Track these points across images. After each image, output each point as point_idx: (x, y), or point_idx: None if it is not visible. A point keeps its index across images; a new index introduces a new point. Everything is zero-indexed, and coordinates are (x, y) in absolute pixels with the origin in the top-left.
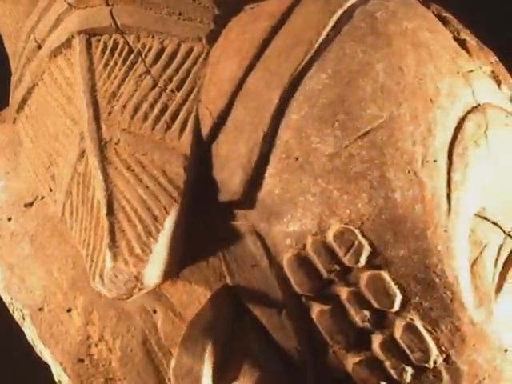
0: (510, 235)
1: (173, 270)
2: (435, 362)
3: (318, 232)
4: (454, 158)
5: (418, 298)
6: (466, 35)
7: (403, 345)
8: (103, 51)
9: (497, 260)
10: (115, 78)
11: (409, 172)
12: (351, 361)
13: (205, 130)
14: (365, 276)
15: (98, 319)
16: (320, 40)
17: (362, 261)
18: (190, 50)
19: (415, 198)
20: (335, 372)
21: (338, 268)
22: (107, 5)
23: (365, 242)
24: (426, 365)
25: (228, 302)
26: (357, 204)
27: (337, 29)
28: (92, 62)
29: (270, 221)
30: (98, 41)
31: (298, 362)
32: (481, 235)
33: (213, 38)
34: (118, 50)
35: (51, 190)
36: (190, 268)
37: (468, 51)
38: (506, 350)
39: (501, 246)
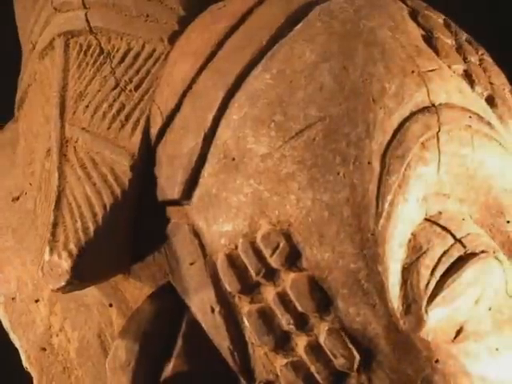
0: (461, 242)
1: (121, 266)
2: (359, 370)
3: (249, 233)
4: (390, 160)
5: (342, 303)
6: (442, 33)
7: (327, 350)
8: (78, 52)
9: (435, 267)
10: (84, 78)
11: (338, 174)
12: (279, 363)
13: (154, 130)
14: (289, 278)
15: (60, 310)
16: (270, 39)
17: (287, 263)
18: (153, 51)
19: (344, 201)
20: (267, 374)
21: (264, 269)
22: (84, 8)
23: (291, 244)
24: (350, 372)
25: (168, 298)
26: (285, 205)
27: (291, 28)
28: (68, 62)
29: (208, 220)
30: (76, 42)
31: (231, 361)
32: (423, 240)
33: (175, 38)
34: (91, 51)
35: (30, 185)
36: (140, 264)
37: (436, 50)
38: (436, 361)
39: (445, 252)
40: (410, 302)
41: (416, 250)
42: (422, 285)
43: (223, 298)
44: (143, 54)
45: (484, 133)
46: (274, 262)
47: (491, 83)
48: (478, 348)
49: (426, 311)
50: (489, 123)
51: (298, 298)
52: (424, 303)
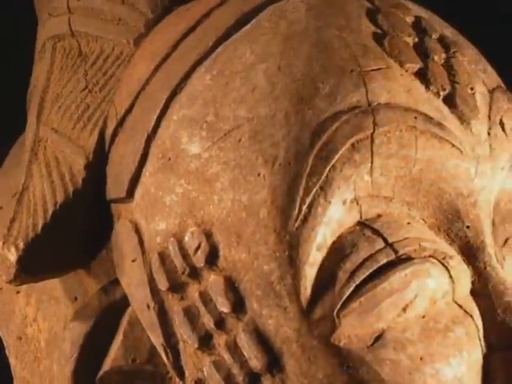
0: (392, 246)
1: (73, 261)
2: (272, 372)
3: (178, 232)
4: (313, 162)
5: (256, 304)
6: (402, 31)
7: (242, 350)
8: (62, 56)
9: (355, 272)
10: (63, 80)
11: (259, 175)
12: (204, 361)
13: (109, 130)
14: (210, 278)
15: (34, 302)
16: (217, 40)
17: (208, 262)
18: (120, 53)
19: (261, 202)
20: (197, 372)
21: (189, 268)
22: (69, 13)
23: (211, 244)
24: (262, 373)
25: (114, 294)
26: (209, 206)
27: (240, 28)
28: (52, 65)
29: (147, 218)
30: (61, 46)
31: (165, 358)
32: (347, 244)
33: (140, 40)
34: (71, 55)
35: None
36: (97, 260)
37: (387, 48)
38: (348, 367)
39: (369, 256)
40: (324, 307)
41: (338, 254)
42: (338, 289)
43: (157, 296)
44: (112, 56)
45: (432, 134)
46: (196, 261)
47: (455, 82)
48: (398, 356)
49: (339, 316)
50: (439, 124)
51: (215, 298)
52: (337, 308)
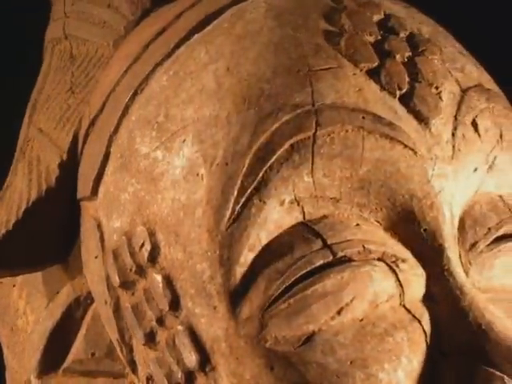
0: (330, 248)
1: (48, 257)
2: (205, 371)
3: (129, 230)
4: (250, 162)
5: (190, 303)
6: (364, 30)
7: (179, 348)
8: (58, 58)
9: (285, 272)
10: (55, 82)
11: (197, 175)
12: (151, 358)
13: (82, 131)
14: (152, 275)
15: (25, 295)
16: (179, 41)
17: (150, 261)
18: (102, 55)
19: (198, 202)
20: (147, 367)
21: (135, 266)
22: (65, 17)
23: (154, 242)
24: (195, 371)
25: (82, 288)
26: (154, 205)
27: (202, 29)
28: (49, 67)
29: (107, 216)
30: (58, 49)
31: (119, 353)
32: (284, 244)
33: (119, 42)
34: (64, 57)
35: None
36: (72, 256)
37: (342, 47)
38: (272, 368)
39: (303, 257)
40: (252, 307)
41: (272, 254)
42: (267, 289)
43: (113, 292)
44: (94, 58)
45: (382, 134)
46: (140, 259)
47: (416, 81)
48: (325, 359)
49: (266, 317)
50: (390, 124)
51: (156, 296)
52: (264, 308)
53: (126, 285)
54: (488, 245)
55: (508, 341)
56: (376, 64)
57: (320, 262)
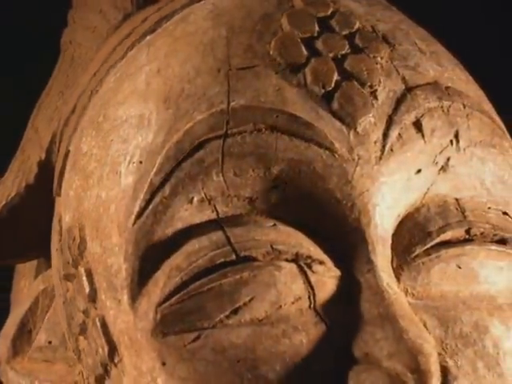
0: (233, 247)
1: (30, 249)
2: (115, 362)
3: (71, 225)
4: (161, 161)
5: (103, 296)
6: (304, 28)
7: (95, 339)
8: (65, 62)
9: (183, 269)
10: (58, 84)
11: (117, 172)
12: (82, 347)
13: (58, 131)
14: (79, 268)
15: (28, 283)
16: (131, 44)
17: (79, 254)
18: (89, 59)
19: (113, 198)
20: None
21: (71, 259)
22: (73, 23)
23: (81, 237)
24: (106, 362)
25: (50, 280)
26: (85, 201)
27: (152, 32)
28: (59, 70)
29: (64, 212)
30: (67, 53)
31: (68, 342)
32: (191, 241)
33: (100, 46)
34: (68, 60)
35: None
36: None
37: (270, 47)
38: (163, 364)
39: (204, 255)
40: (149, 301)
41: (175, 251)
42: (165, 285)
43: (63, 284)
44: (84, 61)
45: (296, 134)
46: (74, 252)
47: (346, 80)
48: (215, 357)
49: (160, 312)
50: (307, 124)
51: (80, 288)
52: (159, 303)
53: (68, 277)
54: (426, 250)
55: (414, 350)
56: (302, 62)
57: (221, 261)
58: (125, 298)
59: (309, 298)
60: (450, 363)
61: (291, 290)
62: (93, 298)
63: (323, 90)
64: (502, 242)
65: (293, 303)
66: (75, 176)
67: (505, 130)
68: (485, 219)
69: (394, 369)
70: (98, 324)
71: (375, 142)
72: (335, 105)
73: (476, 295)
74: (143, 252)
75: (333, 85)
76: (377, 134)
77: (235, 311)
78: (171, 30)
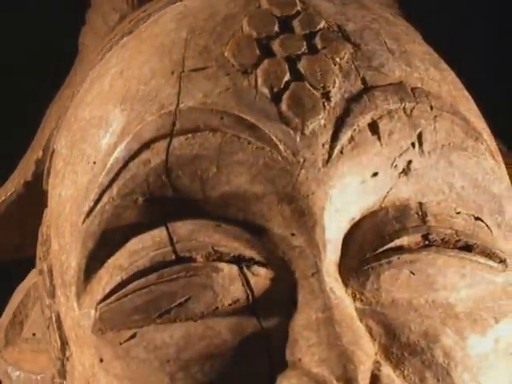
0: (174, 247)
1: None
2: (66, 356)
3: (44, 222)
4: (112, 162)
5: (58, 292)
6: (259, 29)
7: (52, 334)
8: (77, 63)
9: (124, 268)
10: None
11: (75, 172)
12: (48, 340)
13: (55, 131)
14: (43, 264)
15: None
16: (110, 46)
17: (45, 251)
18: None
19: (69, 198)
20: None
21: (42, 255)
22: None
23: (47, 235)
24: (64, 358)
25: None
26: (51, 199)
27: (130, 33)
28: (73, 70)
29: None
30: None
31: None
32: (135, 241)
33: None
34: (78, 62)
35: None
36: None
37: (225, 48)
38: (101, 360)
39: (146, 254)
40: (92, 298)
41: (119, 250)
42: (107, 284)
43: (38, 279)
44: (88, 64)
45: (241, 135)
46: (42, 249)
47: (297, 80)
48: (147, 355)
49: (99, 310)
50: (252, 126)
51: (44, 284)
52: (98, 301)
53: (40, 272)
54: (377, 255)
55: (344, 357)
56: (254, 63)
57: (160, 260)
58: (72, 294)
59: (247, 300)
60: (396, 373)
61: (229, 291)
62: (52, 293)
63: (272, 92)
64: (467, 248)
65: (230, 305)
66: (51, 174)
67: (483, 132)
68: (449, 224)
69: (321, 375)
70: (54, 319)
71: (323, 145)
72: (283, 106)
73: (431, 303)
74: (90, 251)
75: (282, 86)
76: (325, 137)
77: (169, 311)
78: (142, 31)
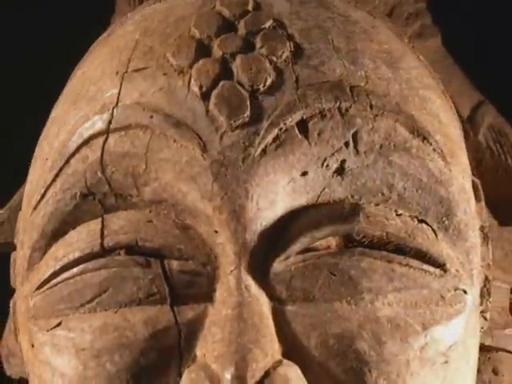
0: (102, 239)
1: None
2: (19, 344)
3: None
4: (57, 157)
5: (18, 284)
6: (202, 29)
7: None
8: None
9: (59, 258)
10: None
11: (34, 168)
12: None
13: None
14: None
15: None
16: (91, 48)
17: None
18: None
19: (27, 192)
20: None
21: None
22: None
23: (18, 228)
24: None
25: None
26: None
27: (108, 35)
28: None
29: None
30: None
31: None
32: (73, 234)
33: None
34: None
35: None
36: None
37: (168, 49)
38: (32, 346)
39: (78, 247)
40: (30, 287)
41: (58, 241)
42: (43, 273)
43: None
44: None
45: (168, 134)
46: (16, 241)
47: (226, 79)
48: (69, 343)
49: (32, 298)
50: (178, 124)
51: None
52: (33, 289)
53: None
54: (298, 254)
55: (238, 355)
56: (189, 63)
57: (88, 252)
58: (20, 283)
59: (166, 294)
60: (308, 375)
61: (148, 285)
62: (14, 282)
63: (202, 90)
64: (400, 251)
65: (147, 298)
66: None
67: (434, 132)
68: (381, 226)
69: (216, 371)
70: (11, 306)
71: (245, 144)
72: (211, 105)
73: (353, 305)
74: (34, 241)
75: (210, 84)
76: (249, 136)
77: (91, 301)
78: (110, 34)
